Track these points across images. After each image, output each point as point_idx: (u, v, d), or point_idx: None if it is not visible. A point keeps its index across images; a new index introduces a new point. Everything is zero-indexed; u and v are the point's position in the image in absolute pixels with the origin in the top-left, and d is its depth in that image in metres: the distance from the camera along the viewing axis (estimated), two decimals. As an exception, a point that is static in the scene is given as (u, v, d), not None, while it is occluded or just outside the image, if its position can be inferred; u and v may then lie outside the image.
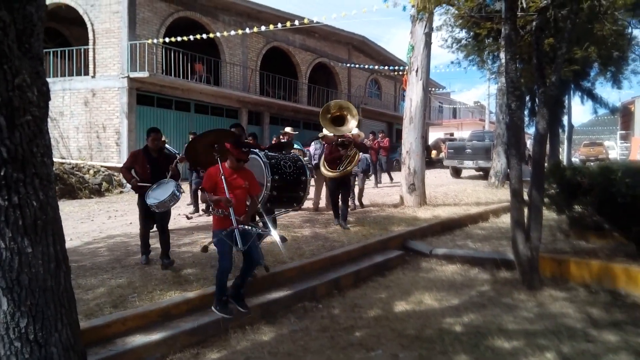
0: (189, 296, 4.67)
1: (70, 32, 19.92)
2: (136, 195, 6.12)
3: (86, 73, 16.93)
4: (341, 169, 7.92)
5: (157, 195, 5.52)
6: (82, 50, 17.09)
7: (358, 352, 4.10)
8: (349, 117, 7.91)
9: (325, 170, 8.06)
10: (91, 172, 14.62)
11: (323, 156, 8.35)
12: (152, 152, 5.91)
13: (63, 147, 16.98)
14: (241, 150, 4.61)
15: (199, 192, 5.45)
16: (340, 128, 7.91)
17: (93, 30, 16.68)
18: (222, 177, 4.49)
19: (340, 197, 8.22)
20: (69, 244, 6.60)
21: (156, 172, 5.81)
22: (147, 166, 5.81)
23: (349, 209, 8.59)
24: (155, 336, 4.02)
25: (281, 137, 11.57)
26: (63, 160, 15.26)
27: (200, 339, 4.23)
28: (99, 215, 9.79)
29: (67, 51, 17.57)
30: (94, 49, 16.69)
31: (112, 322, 4.05)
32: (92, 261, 5.96)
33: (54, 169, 12.93)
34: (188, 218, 8.91)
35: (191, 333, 4.20)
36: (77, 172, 14.04)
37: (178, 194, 5.56)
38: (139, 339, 3.96)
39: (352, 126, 7.98)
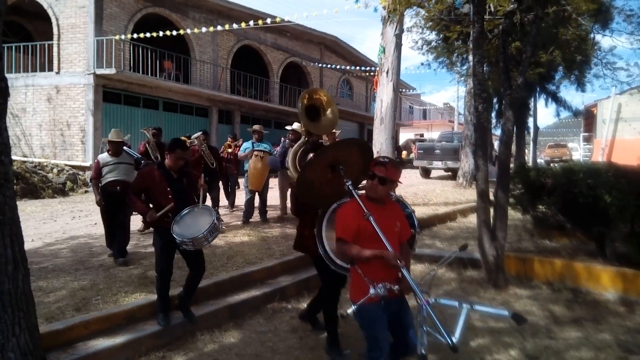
0: (154, 298, 4.57)
1: (34, 26, 19.31)
2: None
3: (50, 69, 16.43)
4: None
5: (188, 228, 4.09)
6: (46, 46, 16.59)
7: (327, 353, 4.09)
8: (325, 109, 6.18)
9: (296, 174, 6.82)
10: (55, 171, 14.20)
11: (296, 158, 7.18)
12: (173, 171, 4.39)
13: (25, 145, 16.44)
14: (396, 168, 3.01)
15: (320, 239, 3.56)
16: (313, 123, 6.26)
17: (58, 25, 16.21)
18: (371, 217, 2.82)
19: None
20: (30, 245, 6.41)
21: (181, 199, 4.31)
22: (167, 190, 4.29)
23: None
24: (119, 339, 3.93)
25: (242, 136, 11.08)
26: (25, 159, 14.78)
27: (167, 342, 4.15)
28: (63, 215, 9.52)
29: (30, 46, 17.03)
30: (58, 45, 16.21)
31: (74, 325, 3.93)
32: (54, 263, 5.79)
33: (15, 167, 12.45)
34: None
35: (157, 336, 4.13)
36: (40, 171, 13.61)
37: (218, 224, 4.23)
38: (102, 343, 3.86)
39: (326, 125, 6.27)
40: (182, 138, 10.58)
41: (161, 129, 8.67)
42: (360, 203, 2.91)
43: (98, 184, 6.28)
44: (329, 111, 6.64)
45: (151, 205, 4.39)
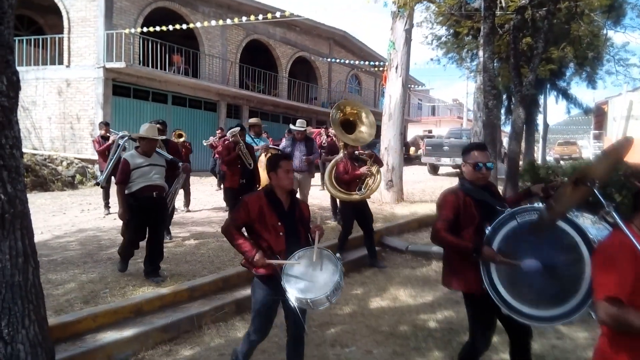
0: (162, 292, 4.61)
1: (45, 20, 19.41)
2: None
3: (60, 62, 16.52)
4: (364, 191, 6.17)
5: (304, 282, 3.06)
6: (57, 39, 16.67)
7: (332, 349, 4.11)
8: (363, 120, 6.34)
9: (337, 192, 6.18)
10: (64, 163, 14.30)
11: (332, 173, 6.35)
12: (282, 195, 3.29)
13: (35, 137, 16.57)
14: None
15: None
16: (351, 137, 6.27)
17: (68, 19, 16.28)
18: None
19: (361, 227, 6.49)
20: (39, 238, 6.45)
21: (294, 237, 3.24)
22: (278, 224, 3.21)
23: (373, 242, 6.56)
24: (127, 333, 3.96)
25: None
26: (35, 152, 14.90)
27: (174, 336, 4.18)
28: (72, 208, 9.60)
29: (41, 39, 17.12)
30: (69, 38, 16.29)
31: (82, 318, 3.97)
32: (63, 255, 5.84)
33: (25, 160, 12.39)
34: None
35: (164, 329, 4.15)
36: (49, 164, 13.72)
37: (342, 280, 3.12)
38: (110, 336, 3.89)
39: (365, 136, 6.36)
40: (177, 131, 10.09)
41: (166, 122, 7.53)
42: (634, 240, 1.84)
43: (124, 191, 5.01)
44: (365, 121, 6.43)
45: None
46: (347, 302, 5.21)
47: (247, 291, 5.04)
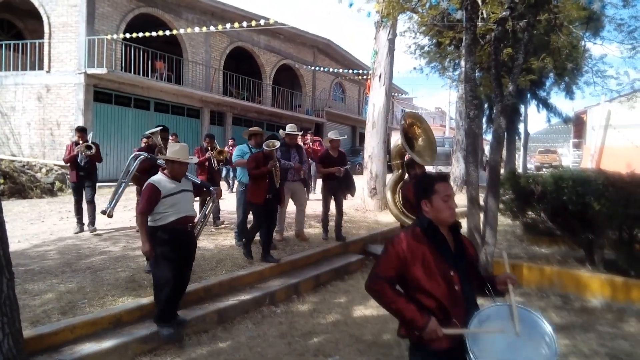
0: (142, 302, 4.53)
1: (25, 24, 19.12)
2: None
3: (41, 68, 16.27)
4: None
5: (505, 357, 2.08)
6: (37, 44, 16.44)
7: (315, 358, 4.08)
8: (419, 135, 5.56)
9: (404, 218, 5.54)
10: (43, 170, 14.03)
11: (399, 198, 5.72)
12: (444, 230, 2.29)
13: (14, 143, 16.25)
14: None
15: None
16: (421, 157, 5.45)
17: (49, 24, 16.07)
18: None
19: None
20: (16, 247, 6.33)
21: (467, 288, 2.24)
22: (450, 274, 2.20)
23: None
24: (105, 344, 3.88)
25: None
26: (13, 158, 14.60)
27: (154, 347, 4.11)
28: (50, 216, 9.42)
29: (20, 44, 16.86)
30: (49, 43, 16.07)
31: (59, 329, 3.88)
32: (41, 265, 5.71)
33: (2, 166, 12.01)
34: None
35: (144, 340, 4.08)
36: (28, 171, 13.44)
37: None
38: (88, 347, 3.81)
39: (430, 158, 5.62)
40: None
41: (167, 128, 6.40)
42: None
43: (147, 222, 4.20)
44: (429, 143, 5.56)
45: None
46: (330, 311, 5.20)
47: (229, 301, 5.02)
